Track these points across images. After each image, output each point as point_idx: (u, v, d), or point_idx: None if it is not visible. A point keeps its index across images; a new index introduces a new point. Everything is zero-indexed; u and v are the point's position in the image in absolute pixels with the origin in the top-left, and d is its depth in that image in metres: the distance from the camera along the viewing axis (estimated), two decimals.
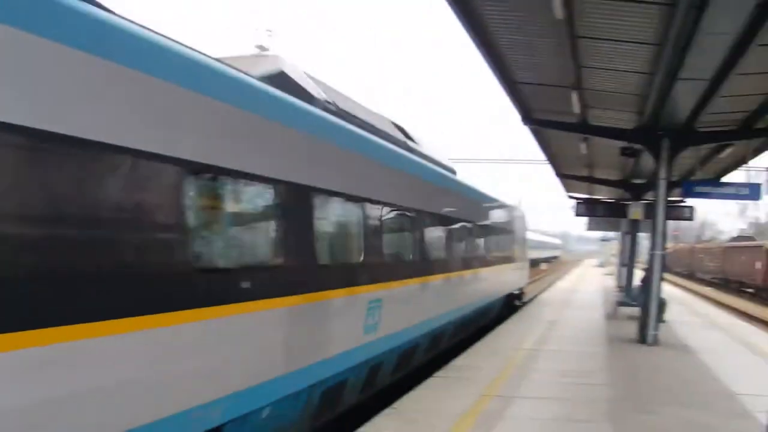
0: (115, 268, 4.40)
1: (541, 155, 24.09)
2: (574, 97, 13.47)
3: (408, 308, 10.34)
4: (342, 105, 8.83)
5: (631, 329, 16.70)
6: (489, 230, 18.09)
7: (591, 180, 26.53)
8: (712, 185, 16.85)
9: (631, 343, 15.20)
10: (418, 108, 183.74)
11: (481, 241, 16.84)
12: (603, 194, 30.98)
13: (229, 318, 5.48)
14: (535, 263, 53.47)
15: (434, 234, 12.25)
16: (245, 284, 5.74)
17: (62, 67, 4.03)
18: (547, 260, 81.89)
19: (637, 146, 16.33)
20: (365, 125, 9.40)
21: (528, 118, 16.35)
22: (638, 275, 23.03)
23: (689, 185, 17.25)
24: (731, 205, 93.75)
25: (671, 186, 16.33)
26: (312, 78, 8.43)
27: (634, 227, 25.14)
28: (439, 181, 12.91)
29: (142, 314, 4.54)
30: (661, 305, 16.25)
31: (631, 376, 11.50)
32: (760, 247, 41.30)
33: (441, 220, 12.71)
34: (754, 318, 28.13)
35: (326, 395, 7.78)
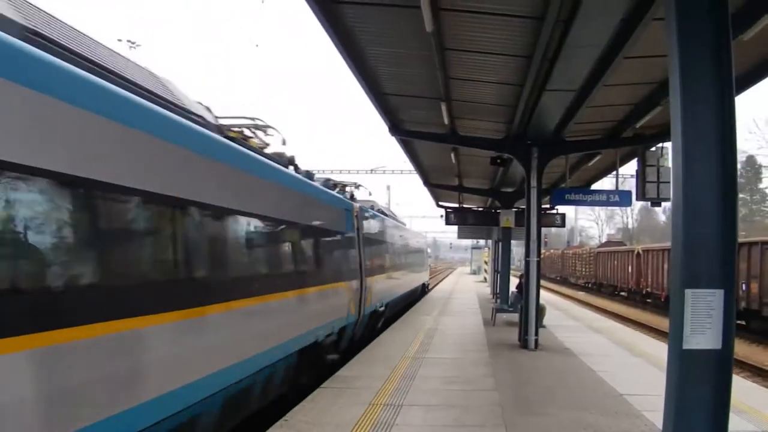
0: None
1: (409, 164, 24.71)
2: (444, 108, 13.90)
3: (396, 283, 25.48)
4: (392, 215, 29.80)
5: (512, 335, 17.52)
6: (420, 251, 39.43)
7: (461, 189, 27.50)
8: (582, 193, 17.70)
9: (513, 349, 15.89)
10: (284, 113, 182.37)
11: (417, 257, 37.00)
12: (474, 203, 32.06)
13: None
14: None
15: (407, 254, 30.19)
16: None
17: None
18: None
19: (507, 156, 17.09)
20: (396, 219, 31.22)
21: (395, 128, 16.74)
22: (513, 282, 24.02)
23: (560, 193, 18.22)
24: (599, 211, 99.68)
25: (542, 193, 17.14)
26: (388, 208, 33.89)
27: (506, 235, 26.13)
28: (404, 232, 31.07)
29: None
30: (540, 310, 17.13)
31: (517, 380, 12.02)
32: (632, 251, 44.06)
33: (409, 248, 31.58)
34: (629, 320, 30.31)
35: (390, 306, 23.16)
